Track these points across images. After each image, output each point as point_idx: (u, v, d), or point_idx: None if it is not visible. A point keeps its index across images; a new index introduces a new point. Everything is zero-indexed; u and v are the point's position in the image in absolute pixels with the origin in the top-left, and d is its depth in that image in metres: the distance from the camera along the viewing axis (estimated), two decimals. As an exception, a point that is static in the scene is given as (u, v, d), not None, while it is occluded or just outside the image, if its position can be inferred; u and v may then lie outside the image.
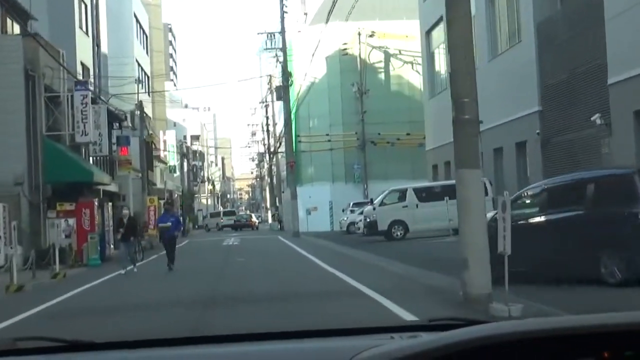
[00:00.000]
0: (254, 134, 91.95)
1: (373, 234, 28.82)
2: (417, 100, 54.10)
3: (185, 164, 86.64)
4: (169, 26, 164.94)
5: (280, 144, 60.02)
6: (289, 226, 55.95)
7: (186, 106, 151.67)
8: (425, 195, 28.65)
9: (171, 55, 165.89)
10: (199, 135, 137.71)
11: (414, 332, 2.33)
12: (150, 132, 38.37)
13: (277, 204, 64.24)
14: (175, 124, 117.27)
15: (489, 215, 19.93)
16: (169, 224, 20.69)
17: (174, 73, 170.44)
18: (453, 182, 30.54)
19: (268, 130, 70.64)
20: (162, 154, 73.95)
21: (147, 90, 62.38)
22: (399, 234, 28.33)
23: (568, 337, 1.70)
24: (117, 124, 34.57)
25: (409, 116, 53.25)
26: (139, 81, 53.45)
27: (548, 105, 25.02)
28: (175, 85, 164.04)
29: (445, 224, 28.02)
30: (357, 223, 35.55)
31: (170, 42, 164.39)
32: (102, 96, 35.03)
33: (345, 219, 39.77)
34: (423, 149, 53.18)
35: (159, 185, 64.36)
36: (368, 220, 28.68)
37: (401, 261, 18.05)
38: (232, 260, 22.67)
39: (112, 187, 33.01)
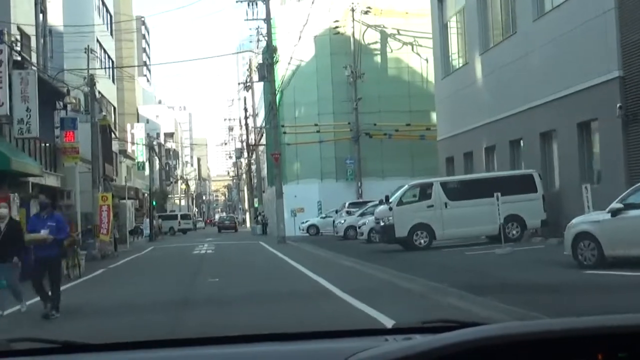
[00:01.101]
0: (231, 129, 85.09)
1: (388, 241, 22.13)
2: (418, 86, 47.64)
3: (157, 162, 79.70)
4: (142, 19, 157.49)
5: (262, 136, 53.08)
6: (273, 230, 49.22)
7: (160, 102, 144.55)
8: (457, 191, 22.00)
9: (144, 50, 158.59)
10: (173, 133, 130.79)
11: (407, 334, 2.33)
12: (104, 113, 31.39)
13: (258, 204, 57.41)
14: (148, 121, 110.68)
15: (596, 216, 13.29)
16: (46, 232, 11.29)
17: (148, 68, 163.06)
18: (494, 174, 23.98)
19: (247, 123, 63.59)
20: (129, 149, 67.12)
21: (111, 77, 55.53)
22: (422, 241, 21.63)
23: (561, 339, 1.70)
24: (61, 103, 27.63)
25: (408, 105, 46.77)
26: (100, 62, 46.45)
27: (632, 69, 18.44)
28: (148, 80, 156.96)
29: (485, 228, 21.47)
30: (360, 227, 28.84)
31: (144, 35, 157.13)
32: (52, 75, 28.21)
33: (342, 222, 33.01)
34: (425, 142, 46.69)
35: (126, 182, 57.30)
36: (382, 223, 21.92)
37: (466, 289, 11.31)
38: (201, 283, 15.72)
39: (52, 181, 26.04)
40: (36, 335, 2.41)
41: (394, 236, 21.63)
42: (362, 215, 32.14)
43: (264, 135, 54.47)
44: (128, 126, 67.48)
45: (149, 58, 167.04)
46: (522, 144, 25.37)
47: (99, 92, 44.57)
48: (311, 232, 37.51)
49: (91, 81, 28.97)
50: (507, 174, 22.55)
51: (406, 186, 22.43)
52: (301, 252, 26.11)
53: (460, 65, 31.33)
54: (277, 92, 38.60)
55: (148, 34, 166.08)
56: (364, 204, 35.26)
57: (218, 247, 32.52)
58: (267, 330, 2.50)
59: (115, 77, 57.51)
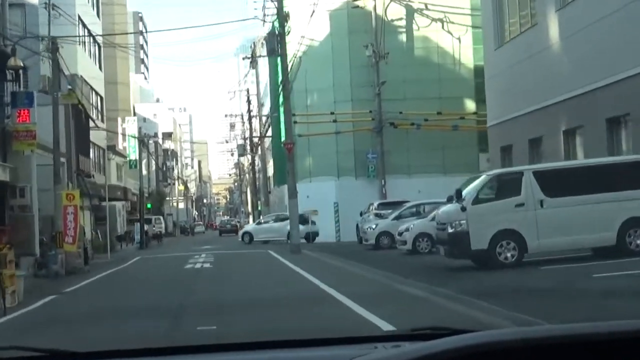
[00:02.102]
0: (232, 126, 78.48)
1: (460, 255, 15.63)
2: (449, 69, 41.15)
3: (151, 159, 73.29)
4: (140, 14, 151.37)
5: (269, 127, 46.45)
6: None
7: (158, 100, 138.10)
8: (557, 184, 15.42)
9: (142, 47, 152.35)
10: (172, 133, 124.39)
11: (396, 341, 2.30)
12: (69, 87, 24.76)
13: (262, 207, 50.86)
14: (145, 120, 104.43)
15: None
16: None
17: (145, 66, 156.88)
18: (612, 159, 17.24)
19: (250, 111, 56.88)
20: (120, 145, 60.71)
21: (97, 63, 49.23)
22: (508, 256, 15.08)
23: (553, 346, 1.67)
24: (12, 74, 21.15)
25: (438, 90, 40.29)
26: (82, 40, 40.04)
27: None
28: (146, 78, 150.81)
29: (595, 237, 15.06)
30: (400, 233, 22.23)
31: (141, 32, 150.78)
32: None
33: (373, 227, 26.41)
34: (458, 133, 40.23)
35: (115, 182, 50.84)
36: (449, 230, 15.30)
37: None
38: (185, 337, 9.04)
39: (-4, 173, 19.56)
40: (22, 344, 2.34)
41: (469, 248, 15.06)
42: (398, 218, 25.65)
43: (270, 127, 47.83)
44: (119, 120, 61.12)
45: (146, 56, 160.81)
46: (625, 122, 18.88)
47: (82, 78, 38.24)
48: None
49: (53, 45, 22.38)
50: (634, 159, 15.99)
51: (483, 176, 15.80)
52: (328, 268, 19.60)
53: (524, 29, 24.78)
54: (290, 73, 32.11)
55: (146, 30, 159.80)
56: (397, 205, 28.78)
57: (217, 259, 25.99)
58: (255, 338, 2.46)
59: (102, 63, 51.16)
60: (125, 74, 74.78)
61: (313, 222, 43.11)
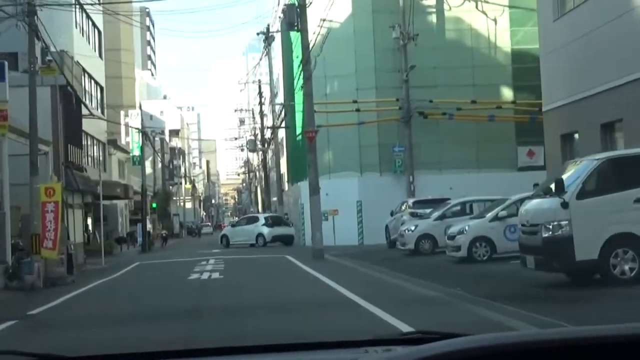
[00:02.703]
0: (242, 121, 74.57)
1: (560, 268, 11.62)
2: (483, 53, 37.17)
3: (156, 156, 69.63)
4: (147, 9, 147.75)
5: (281, 123, 42.51)
6: (300, 238, 38.72)
7: (165, 97, 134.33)
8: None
9: (149, 43, 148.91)
10: (179, 130, 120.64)
11: (387, 345, 2.31)
12: (49, 58, 20.70)
13: (278, 205, 46.90)
14: (151, 117, 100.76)
15: None
16: None
17: (152, 63, 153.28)
18: None
19: (261, 94, 52.84)
20: (123, 140, 56.91)
21: (96, 49, 45.47)
22: (626, 269, 11.10)
23: (545, 350, 1.66)
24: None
25: (472, 77, 36.32)
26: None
27: None
28: (153, 75, 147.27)
29: None
30: (454, 237, 18.17)
31: (148, 27, 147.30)
32: None
33: (412, 228, 22.32)
34: (494, 125, 36.18)
35: (116, 179, 46.95)
36: (547, 234, 11.25)
37: None
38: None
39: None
40: (16, 348, 2.34)
41: (572, 258, 11.04)
42: (442, 218, 21.67)
43: (284, 119, 43.82)
44: (122, 114, 57.32)
45: (153, 52, 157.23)
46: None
47: (78, 64, 34.40)
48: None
49: (29, 7, 18.39)
50: None
51: (589, 161, 11.73)
52: (371, 282, 15.64)
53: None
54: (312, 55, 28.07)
55: (153, 26, 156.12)
56: (436, 203, 24.79)
57: (228, 266, 22.02)
58: (249, 342, 2.49)
59: (102, 50, 47.37)
60: (130, 68, 71.13)
61: (289, 224, 41.17)
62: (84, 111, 30.27)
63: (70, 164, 24.20)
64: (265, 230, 38.83)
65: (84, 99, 33.54)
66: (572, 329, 1.79)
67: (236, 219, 68.69)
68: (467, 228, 17.75)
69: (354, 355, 2.09)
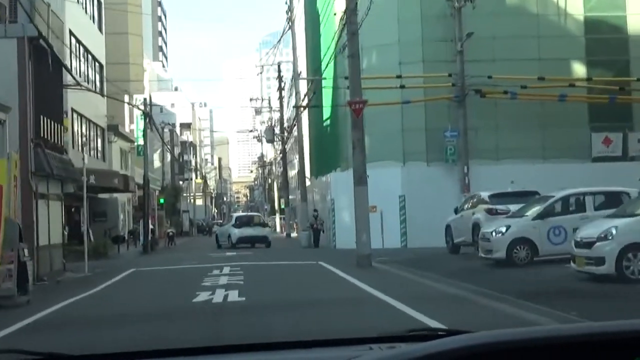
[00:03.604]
0: (258, 111, 68.80)
1: None
2: (552, 21, 31.21)
3: (168, 153, 64.11)
4: (159, 0, 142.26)
5: (313, 95, 36.54)
6: (329, 240, 32.81)
7: (176, 89, 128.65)
8: None
9: (160, 34, 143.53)
10: (190, 124, 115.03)
11: (392, 342, 2.29)
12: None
13: (301, 201, 40.99)
14: (162, 109, 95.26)
15: None
16: None
17: (164, 54, 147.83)
18: None
19: (280, 88, 46.85)
20: (127, 128, 51.33)
21: (95, 21, 39.96)
22: None
23: (549, 347, 1.64)
24: None
25: (537, 49, 30.35)
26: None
27: None
28: (164, 66, 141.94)
29: None
30: (592, 244, 12.10)
31: (160, 17, 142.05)
32: None
33: (503, 231, 16.14)
34: (562, 106, 30.12)
35: (117, 169, 41.24)
36: None
37: None
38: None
39: None
40: (20, 347, 2.34)
41: None
42: (543, 217, 15.68)
43: (310, 100, 37.74)
44: (126, 98, 51.62)
45: (165, 44, 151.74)
46: None
47: (58, 17, 28.64)
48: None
49: None
50: None
51: None
52: (459, 307, 9.76)
53: None
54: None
55: (165, 17, 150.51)
56: (521, 196, 18.85)
57: (249, 279, 16.03)
58: (251, 340, 2.40)
59: (103, 24, 41.72)
60: (138, 54, 65.63)
61: (266, 225, 38.78)
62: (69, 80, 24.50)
63: (43, 141, 18.39)
64: (234, 231, 36.37)
65: (73, 71, 27.87)
66: (579, 325, 1.76)
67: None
68: (613, 231, 11.75)
69: (358, 352, 2.04)
